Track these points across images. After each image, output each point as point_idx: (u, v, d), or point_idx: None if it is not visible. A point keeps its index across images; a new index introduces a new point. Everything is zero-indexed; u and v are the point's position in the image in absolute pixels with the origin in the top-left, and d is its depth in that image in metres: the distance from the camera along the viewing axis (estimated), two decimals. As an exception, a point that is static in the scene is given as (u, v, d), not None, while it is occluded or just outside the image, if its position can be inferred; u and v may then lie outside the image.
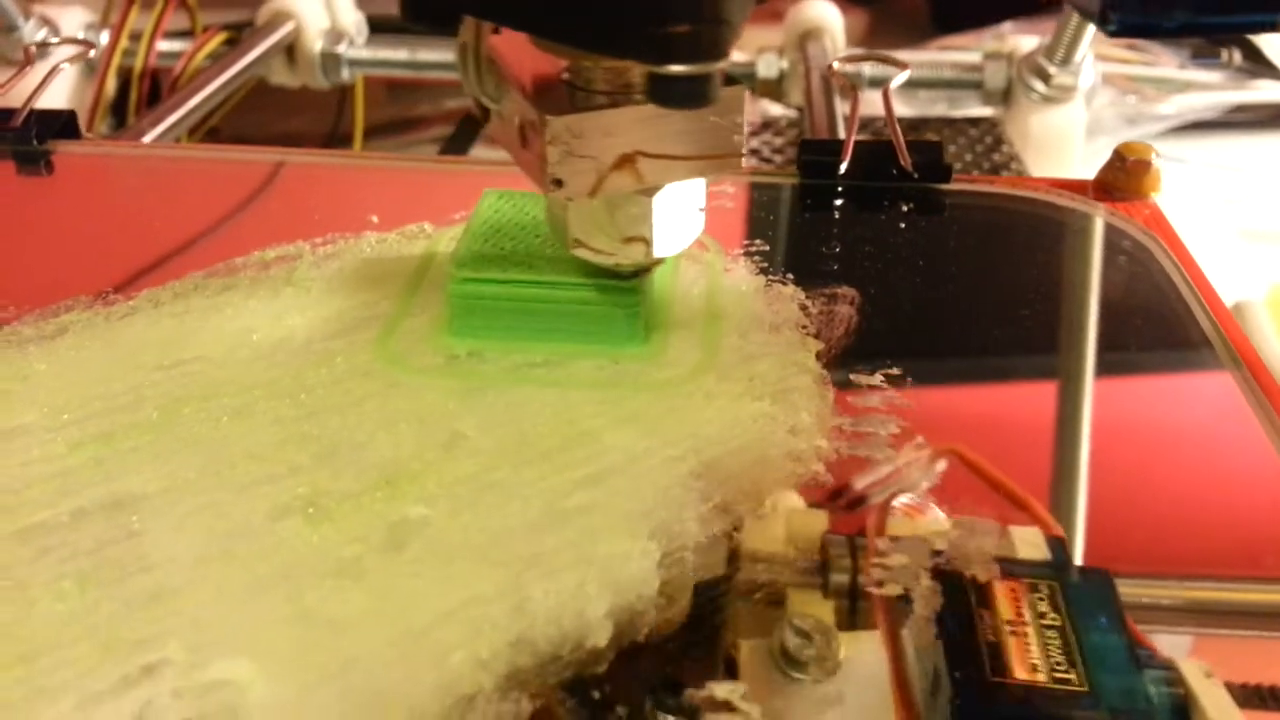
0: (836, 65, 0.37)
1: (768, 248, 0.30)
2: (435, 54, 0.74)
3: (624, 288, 0.25)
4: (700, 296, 0.28)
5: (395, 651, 0.18)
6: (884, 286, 0.29)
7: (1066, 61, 0.57)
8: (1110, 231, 0.32)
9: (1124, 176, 0.34)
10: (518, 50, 0.23)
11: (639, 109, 0.22)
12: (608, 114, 0.22)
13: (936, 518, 0.23)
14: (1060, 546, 0.21)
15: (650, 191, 0.23)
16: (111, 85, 0.76)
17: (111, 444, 0.23)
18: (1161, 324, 0.28)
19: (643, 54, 0.19)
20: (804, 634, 0.19)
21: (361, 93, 0.83)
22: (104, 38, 0.76)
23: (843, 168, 0.34)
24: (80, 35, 0.76)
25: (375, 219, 0.31)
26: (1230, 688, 0.19)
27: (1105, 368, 0.28)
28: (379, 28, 0.80)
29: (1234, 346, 0.26)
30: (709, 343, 0.26)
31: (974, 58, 0.65)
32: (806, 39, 0.64)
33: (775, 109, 0.73)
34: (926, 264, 0.31)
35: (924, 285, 0.30)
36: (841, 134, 0.51)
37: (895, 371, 0.25)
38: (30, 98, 0.37)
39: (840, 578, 0.21)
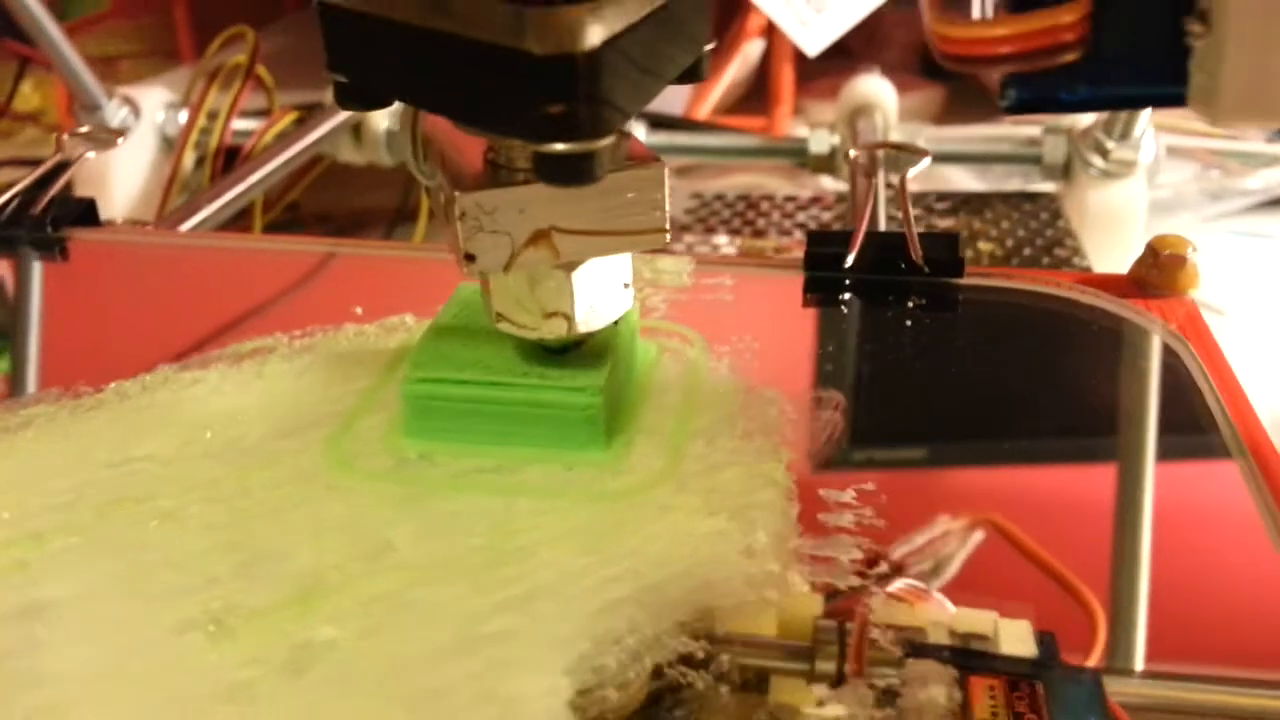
0: (853, 154, 0.36)
1: (757, 344, 0.29)
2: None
3: (583, 389, 0.24)
4: (675, 397, 0.27)
5: (271, 793, 0.17)
6: (878, 390, 0.27)
7: (1125, 136, 0.54)
8: (1134, 333, 0.29)
9: (1157, 272, 0.31)
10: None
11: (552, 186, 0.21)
12: (519, 190, 0.22)
13: (940, 605, 0.22)
14: (1050, 643, 0.20)
15: (571, 266, 0.23)
16: (189, 161, 0.79)
17: (40, 546, 0.22)
18: (1179, 439, 0.26)
19: (523, 133, 0.19)
20: None
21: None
22: (183, 116, 0.80)
23: (850, 259, 0.32)
24: (160, 115, 0.79)
25: (359, 310, 0.31)
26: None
27: (1115, 481, 0.25)
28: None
29: (1258, 467, 0.24)
30: (674, 449, 0.25)
31: (1033, 132, 0.62)
32: (857, 115, 0.63)
33: (829, 183, 0.72)
34: (926, 366, 0.29)
35: (922, 389, 0.28)
36: (884, 217, 0.50)
37: (870, 487, 0.23)
38: (51, 186, 0.38)
39: (826, 665, 0.20)
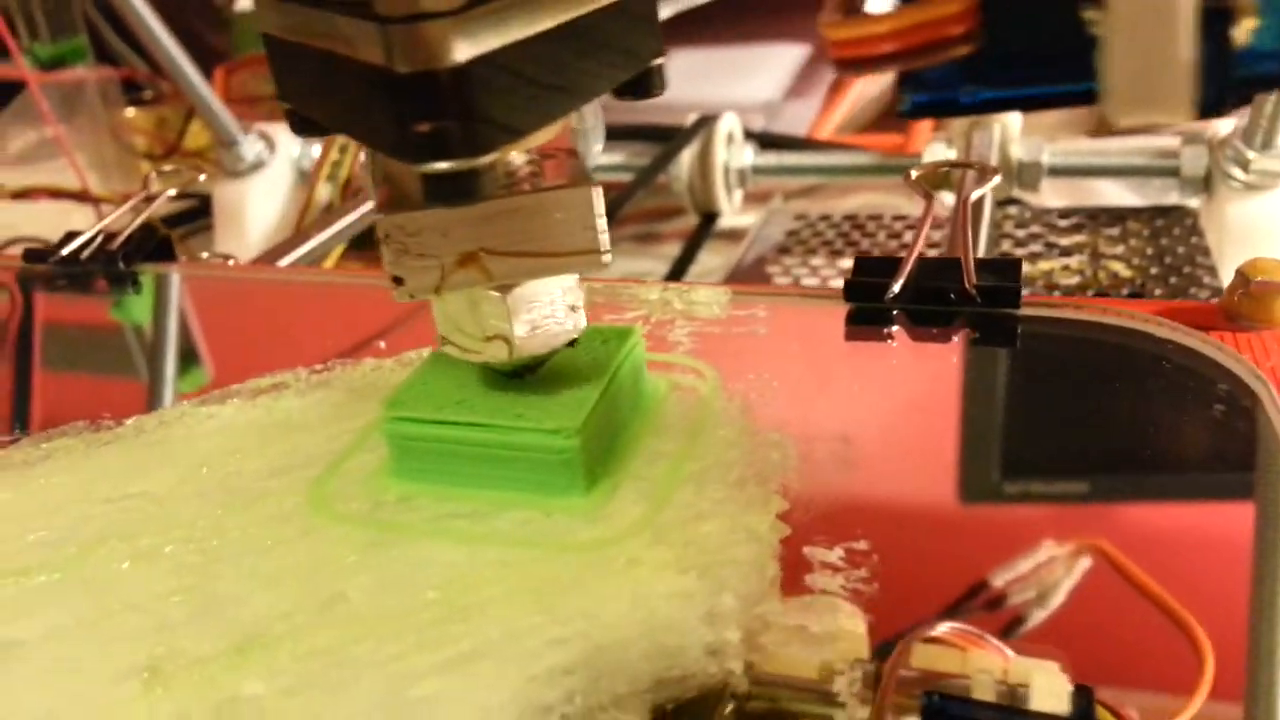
0: (914, 174, 0.33)
1: (776, 382, 0.27)
2: (605, 158, 0.75)
3: (559, 431, 0.23)
4: (675, 439, 0.25)
5: None
6: (902, 434, 0.25)
7: (1268, 145, 0.49)
8: (1208, 370, 0.26)
9: (1249, 301, 0.27)
10: None
11: (479, 206, 0.21)
12: (442, 212, 0.21)
13: (995, 651, 0.20)
14: (1086, 698, 0.18)
15: (508, 288, 0.22)
16: (324, 192, 0.82)
17: (23, 581, 0.23)
18: (1239, 492, 0.22)
19: (399, 154, 0.19)
20: None
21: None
22: (318, 150, 0.83)
23: (896, 287, 0.30)
24: (296, 149, 0.83)
25: (383, 344, 0.31)
26: None
27: (1164, 542, 0.22)
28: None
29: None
30: (658, 497, 0.23)
31: (1171, 143, 0.57)
32: (973, 128, 0.59)
33: (950, 200, 0.68)
34: (965, 407, 0.26)
35: (958, 433, 0.25)
36: (984, 242, 0.46)
37: (862, 546, 0.21)
38: (128, 225, 0.40)
39: (859, 712, 0.19)
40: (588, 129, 0.22)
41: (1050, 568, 0.22)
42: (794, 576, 0.21)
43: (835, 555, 0.21)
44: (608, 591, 0.21)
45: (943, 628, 0.20)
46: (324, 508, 0.24)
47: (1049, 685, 0.18)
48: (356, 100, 0.19)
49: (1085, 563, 0.22)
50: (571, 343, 0.23)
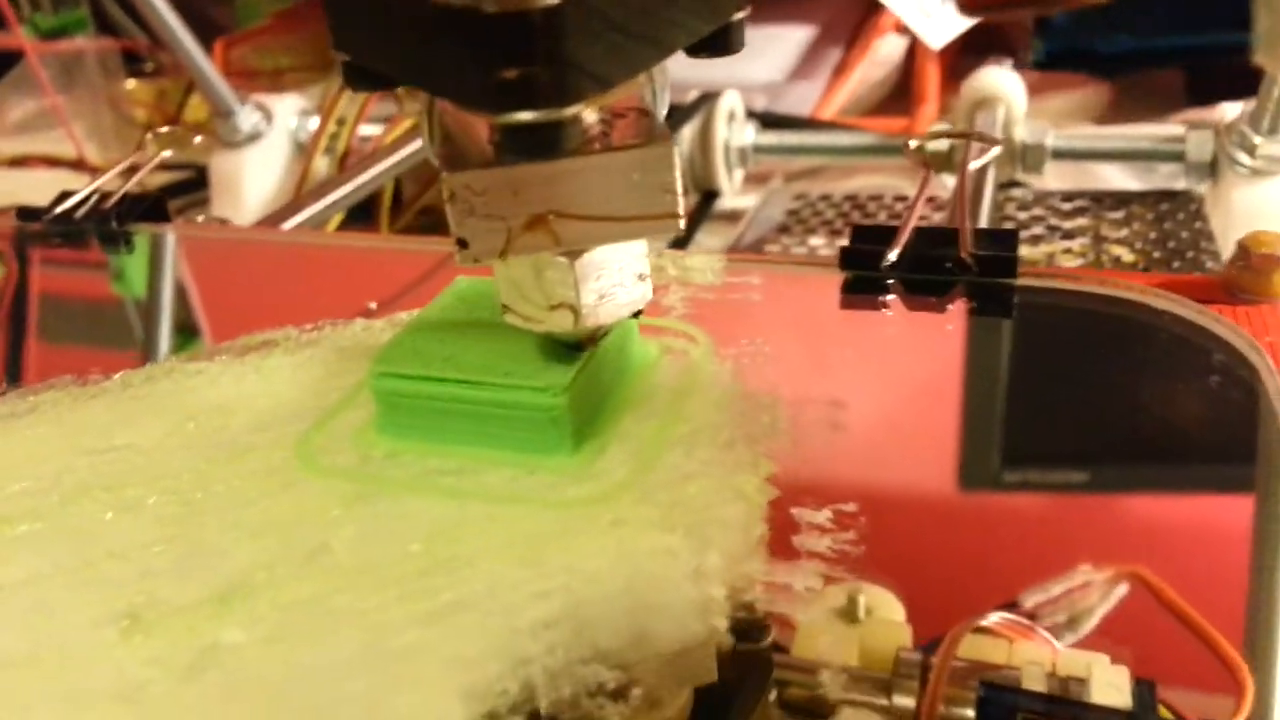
0: (913, 144, 0.33)
1: (769, 346, 0.27)
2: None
3: (546, 389, 0.23)
4: (665, 401, 0.25)
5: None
6: (894, 402, 0.25)
7: (1275, 131, 0.48)
8: (1205, 342, 0.25)
9: (1249, 274, 0.27)
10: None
11: (549, 165, 0.20)
12: (513, 170, 0.19)
13: (1043, 642, 0.20)
14: (1147, 693, 0.18)
15: (575, 254, 0.21)
16: (322, 165, 0.82)
17: (4, 530, 0.23)
18: (1237, 464, 0.22)
19: (480, 103, 0.18)
20: None
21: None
22: (315, 122, 0.82)
23: (892, 256, 0.29)
24: (293, 121, 0.82)
25: (373, 305, 0.30)
26: None
27: (1162, 509, 0.22)
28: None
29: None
30: (646, 457, 0.23)
31: (1175, 129, 0.57)
32: (978, 109, 0.58)
33: (951, 181, 0.67)
34: (956, 375, 0.26)
35: (952, 402, 0.25)
36: (985, 215, 0.46)
37: (850, 508, 0.21)
38: (123, 187, 0.39)
39: (904, 701, 0.19)
40: (658, 89, 0.21)
41: (1083, 593, 0.22)
42: (783, 539, 0.21)
43: (823, 517, 0.21)
44: (592, 548, 0.20)
45: (993, 618, 0.20)
46: (310, 462, 0.24)
47: (1108, 677, 0.18)
48: (429, 46, 0.18)
49: (1120, 589, 0.22)
50: (636, 314, 0.22)
